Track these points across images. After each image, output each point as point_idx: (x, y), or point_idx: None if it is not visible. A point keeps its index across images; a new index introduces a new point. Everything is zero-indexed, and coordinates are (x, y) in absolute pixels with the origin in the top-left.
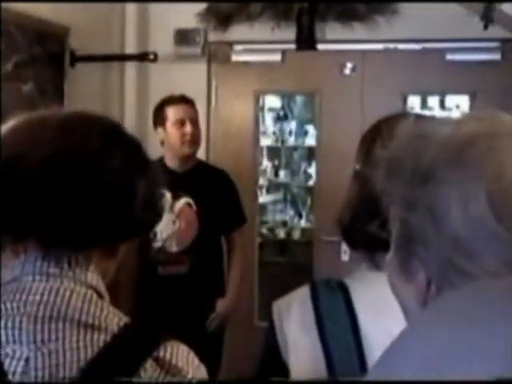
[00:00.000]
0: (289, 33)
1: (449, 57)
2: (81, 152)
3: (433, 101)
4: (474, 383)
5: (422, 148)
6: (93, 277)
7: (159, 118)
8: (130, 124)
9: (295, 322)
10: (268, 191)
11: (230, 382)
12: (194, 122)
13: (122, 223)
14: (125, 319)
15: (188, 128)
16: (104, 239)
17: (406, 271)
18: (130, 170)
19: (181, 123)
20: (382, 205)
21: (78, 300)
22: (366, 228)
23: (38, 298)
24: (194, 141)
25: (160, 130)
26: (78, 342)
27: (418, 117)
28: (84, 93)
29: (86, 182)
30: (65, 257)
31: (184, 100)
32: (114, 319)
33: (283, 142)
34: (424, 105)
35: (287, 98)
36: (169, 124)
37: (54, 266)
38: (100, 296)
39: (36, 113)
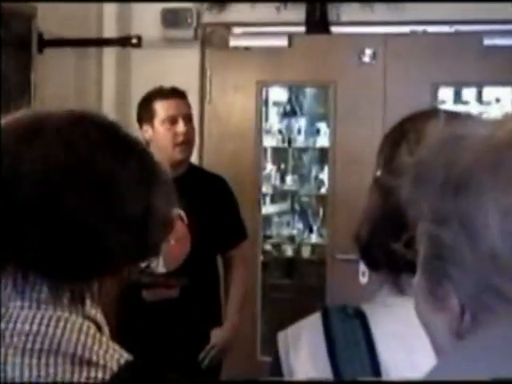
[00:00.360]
0: (297, 13)
1: (487, 41)
2: (88, 166)
3: (468, 93)
4: (474, 383)
5: (454, 153)
6: (91, 306)
7: (146, 114)
8: None
9: (304, 356)
10: (273, 200)
11: (230, 383)
12: (188, 120)
13: (135, 248)
14: (126, 356)
15: (181, 127)
16: (112, 267)
17: (435, 296)
18: (144, 185)
19: (172, 121)
20: (408, 219)
21: (74, 332)
22: (389, 245)
23: (26, 327)
24: (188, 142)
25: (146, 128)
26: (72, 379)
27: (450, 115)
28: (54, 83)
29: (95, 203)
30: (63, 284)
31: (176, 93)
32: (114, 356)
33: (290, 142)
34: (458, 98)
35: (295, 90)
36: (157, 121)
37: (47, 291)
38: (99, 328)
39: (21, 114)
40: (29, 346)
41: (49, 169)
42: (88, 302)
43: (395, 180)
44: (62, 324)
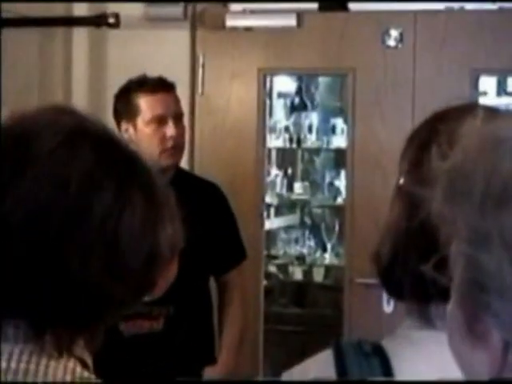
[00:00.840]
0: None
1: None
2: (83, 210)
3: None
4: (474, 383)
5: (496, 158)
6: (78, 343)
7: (126, 110)
8: None
9: None
10: (278, 213)
11: (230, 383)
12: (178, 120)
13: (135, 291)
14: None
15: (170, 129)
16: (108, 312)
17: (474, 331)
18: (150, 223)
19: (159, 121)
20: (439, 236)
21: (58, 370)
22: (415, 268)
23: (4, 364)
24: (178, 146)
25: (126, 126)
26: None
27: (490, 111)
28: (15, 70)
29: (91, 253)
30: (45, 325)
31: (163, 86)
32: None
33: (300, 142)
34: (502, 89)
35: (306, 79)
36: (141, 121)
37: (27, 327)
38: (86, 367)
39: (10, 124)
40: None
41: (37, 210)
42: (81, 343)
43: (423, 189)
44: (44, 361)
